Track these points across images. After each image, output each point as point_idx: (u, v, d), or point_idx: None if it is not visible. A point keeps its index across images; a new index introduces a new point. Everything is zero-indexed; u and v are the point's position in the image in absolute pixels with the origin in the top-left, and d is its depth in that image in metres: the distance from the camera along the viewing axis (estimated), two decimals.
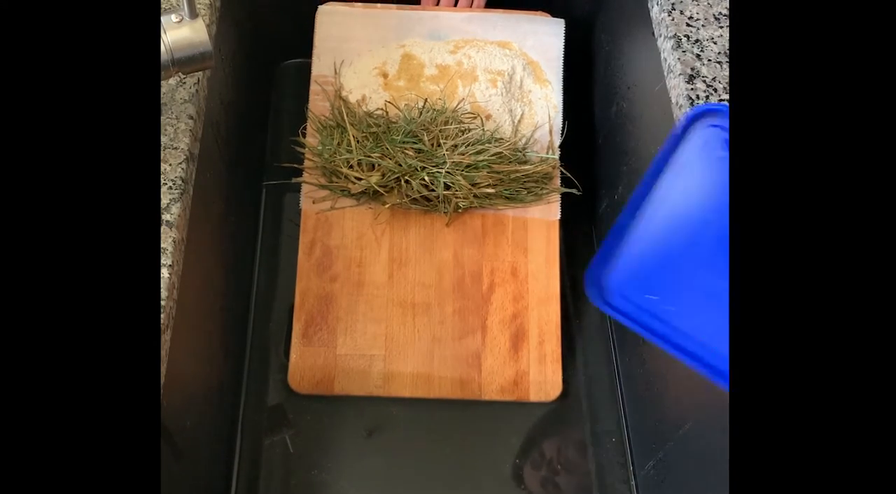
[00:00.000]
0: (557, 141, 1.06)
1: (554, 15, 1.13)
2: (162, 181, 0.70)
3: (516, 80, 1.09)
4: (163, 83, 0.74)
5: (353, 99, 1.06)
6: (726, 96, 0.77)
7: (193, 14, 0.68)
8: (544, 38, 1.11)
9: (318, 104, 1.06)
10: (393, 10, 1.11)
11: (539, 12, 1.13)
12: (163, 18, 0.68)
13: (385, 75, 1.09)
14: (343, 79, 1.08)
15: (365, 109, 1.05)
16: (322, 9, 1.10)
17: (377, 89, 1.07)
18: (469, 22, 1.11)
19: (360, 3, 1.11)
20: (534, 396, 0.98)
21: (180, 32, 0.68)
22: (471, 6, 1.13)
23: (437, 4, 1.13)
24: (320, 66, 1.08)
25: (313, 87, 1.07)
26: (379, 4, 1.11)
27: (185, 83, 0.77)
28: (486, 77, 1.08)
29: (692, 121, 0.57)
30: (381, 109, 1.04)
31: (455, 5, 1.13)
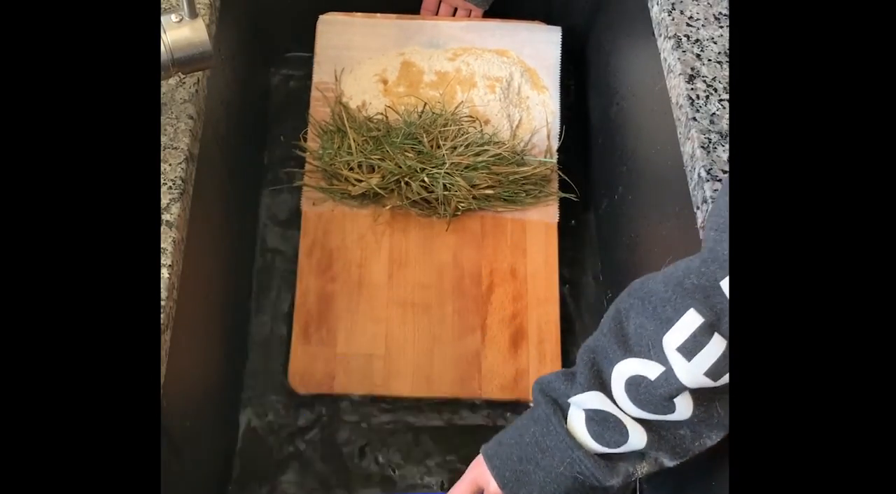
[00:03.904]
0: (555, 145, 1.07)
1: (552, 22, 1.14)
2: (162, 181, 0.70)
3: (514, 87, 1.10)
4: (163, 83, 0.74)
5: (353, 105, 1.07)
6: (726, 96, 0.77)
7: (193, 14, 0.68)
8: (541, 45, 1.12)
9: (318, 109, 1.07)
10: (392, 20, 1.12)
11: (536, 21, 1.14)
12: (163, 18, 0.68)
13: (385, 82, 1.09)
14: (343, 85, 1.09)
15: (365, 114, 1.06)
16: (323, 18, 1.11)
17: (377, 95, 1.08)
18: (467, 31, 1.12)
19: (359, 13, 1.12)
20: None
21: (180, 32, 0.68)
22: (469, 16, 1.14)
23: (436, 14, 1.14)
24: (321, 73, 1.09)
25: (314, 93, 1.08)
26: (378, 14, 1.12)
27: (185, 83, 0.77)
28: (484, 83, 1.09)
29: None
30: (381, 114, 1.05)
31: (453, 15, 1.14)
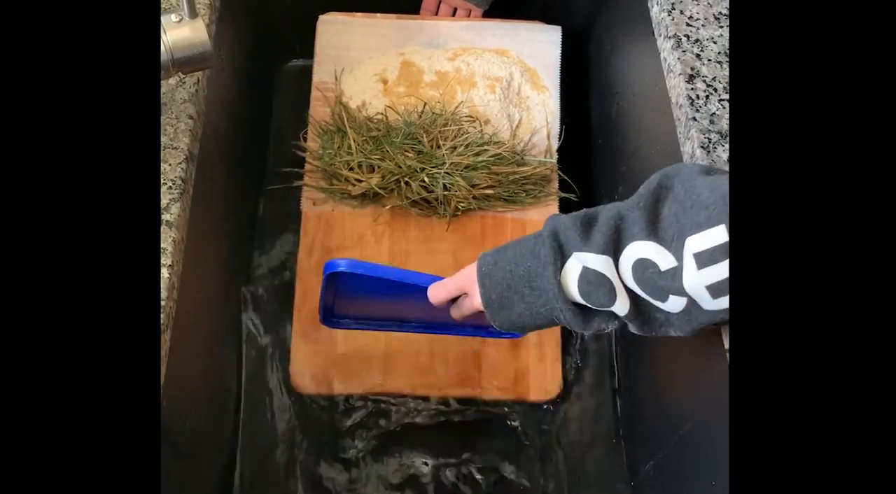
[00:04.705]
0: (555, 145, 1.08)
1: (552, 22, 1.14)
2: (162, 181, 0.70)
3: (514, 87, 1.10)
4: (163, 83, 0.74)
5: (353, 104, 1.07)
6: (726, 96, 0.77)
7: (193, 14, 0.68)
8: (541, 45, 1.12)
9: (318, 109, 1.07)
10: (392, 20, 1.12)
11: (536, 21, 1.14)
12: (163, 18, 0.68)
13: (385, 82, 1.10)
14: (343, 85, 1.09)
15: (365, 114, 1.06)
16: (323, 18, 1.12)
17: (377, 95, 1.08)
18: (467, 31, 1.12)
19: (360, 13, 1.12)
20: (533, 395, 0.98)
21: (180, 32, 0.68)
22: (469, 16, 1.14)
23: (436, 14, 1.14)
24: (321, 73, 1.10)
25: (314, 94, 1.08)
26: (378, 14, 1.13)
27: (185, 83, 0.77)
28: (484, 83, 1.09)
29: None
30: (381, 114, 1.05)
31: (453, 15, 1.14)
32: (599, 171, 1.10)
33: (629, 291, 0.63)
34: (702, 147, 0.74)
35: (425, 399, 0.97)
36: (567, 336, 1.02)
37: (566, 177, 1.06)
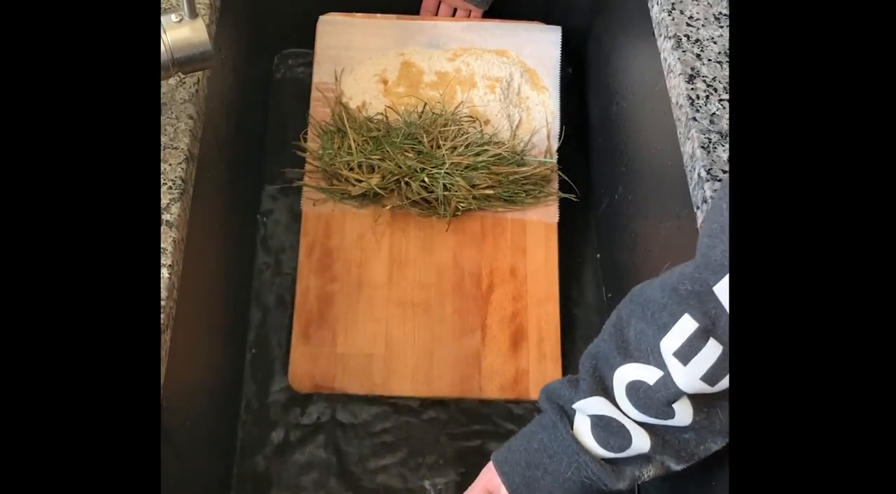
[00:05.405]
0: (555, 145, 1.08)
1: (552, 22, 1.14)
2: (162, 181, 0.70)
3: (514, 87, 1.10)
4: (163, 83, 0.74)
5: (353, 105, 1.08)
6: (726, 96, 0.77)
7: (193, 14, 0.68)
8: (541, 45, 1.12)
9: (318, 110, 1.07)
10: (392, 20, 1.12)
11: (536, 21, 1.14)
12: (163, 18, 0.68)
13: (385, 82, 1.10)
14: (343, 85, 1.09)
15: (365, 115, 1.06)
16: (323, 18, 1.12)
17: (377, 95, 1.08)
18: (467, 31, 1.12)
19: (359, 13, 1.12)
20: (534, 394, 0.98)
21: (180, 32, 0.68)
22: (468, 16, 1.14)
23: (436, 14, 1.14)
24: (321, 73, 1.10)
25: (314, 94, 1.08)
26: (378, 14, 1.13)
27: (185, 83, 0.77)
28: (484, 83, 1.09)
29: None
30: (381, 114, 1.05)
31: (453, 15, 1.14)
32: (599, 171, 1.10)
33: (642, 425, 0.62)
34: (702, 147, 0.74)
35: (425, 399, 0.97)
36: (567, 335, 1.02)
37: (566, 177, 1.06)
